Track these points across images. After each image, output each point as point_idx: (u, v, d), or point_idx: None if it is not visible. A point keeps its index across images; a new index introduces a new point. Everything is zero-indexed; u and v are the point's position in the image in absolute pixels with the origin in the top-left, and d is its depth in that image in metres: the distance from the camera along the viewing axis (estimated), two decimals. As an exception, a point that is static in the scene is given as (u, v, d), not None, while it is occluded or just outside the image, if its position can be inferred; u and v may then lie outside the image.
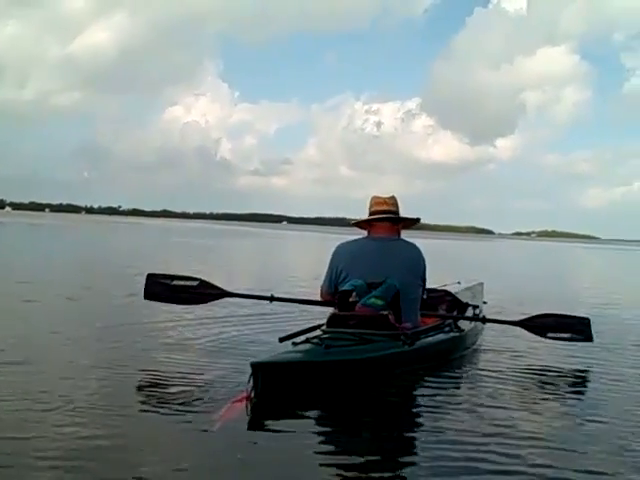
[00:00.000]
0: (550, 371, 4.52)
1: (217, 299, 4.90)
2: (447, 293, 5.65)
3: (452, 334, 4.65)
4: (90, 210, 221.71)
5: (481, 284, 7.36)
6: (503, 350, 5.17)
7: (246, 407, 3.10)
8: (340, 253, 4.42)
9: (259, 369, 3.23)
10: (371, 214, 4.49)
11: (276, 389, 3.24)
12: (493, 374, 4.26)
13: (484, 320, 5.01)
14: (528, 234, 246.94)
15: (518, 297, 9.81)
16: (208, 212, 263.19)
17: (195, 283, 4.76)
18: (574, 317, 4.83)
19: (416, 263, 4.40)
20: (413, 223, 4.66)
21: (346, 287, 4.08)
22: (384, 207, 4.45)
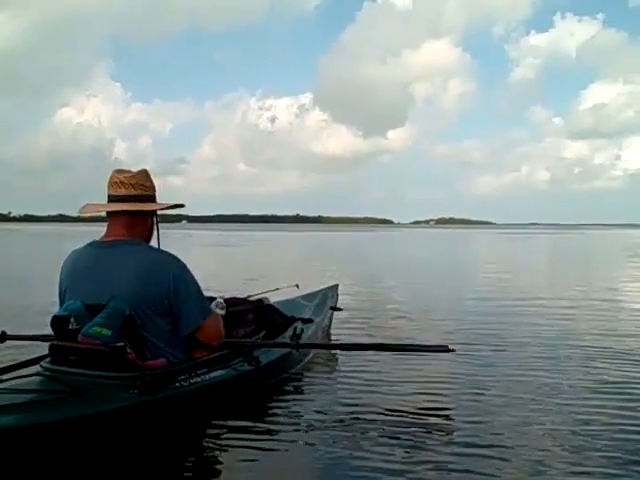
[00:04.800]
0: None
1: None
2: (259, 306, 4.08)
3: (235, 371, 3.18)
4: None
5: (333, 287, 5.89)
6: (325, 382, 3.71)
7: None
8: (64, 266, 3.04)
9: None
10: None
11: None
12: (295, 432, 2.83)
13: (297, 346, 3.59)
14: (426, 222, 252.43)
15: (391, 298, 8.45)
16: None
17: None
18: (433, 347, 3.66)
19: (160, 276, 2.85)
20: (169, 209, 3.08)
21: (60, 311, 2.81)
22: (121, 190, 2.92)
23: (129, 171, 2.94)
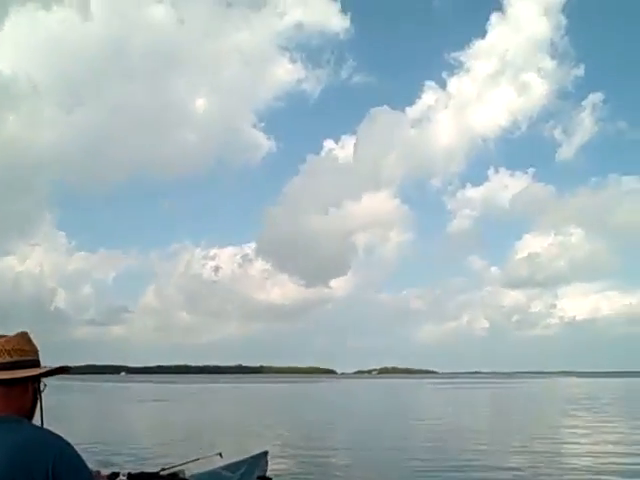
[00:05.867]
0: None
1: None
2: None
3: None
4: None
5: (262, 455, 5.67)
6: None
7: None
8: None
9: None
10: None
11: None
12: None
13: None
14: (369, 372, 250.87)
15: (328, 463, 8.25)
16: (42, 365, 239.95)
17: None
18: None
19: (37, 461, 2.59)
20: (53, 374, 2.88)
21: None
22: None
23: (4, 335, 2.56)
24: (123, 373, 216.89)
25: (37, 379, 2.58)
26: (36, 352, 2.58)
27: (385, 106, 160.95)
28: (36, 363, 2.55)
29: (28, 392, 2.54)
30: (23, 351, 2.50)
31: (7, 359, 2.45)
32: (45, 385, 2.56)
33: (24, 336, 2.55)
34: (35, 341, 2.65)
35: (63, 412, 24.68)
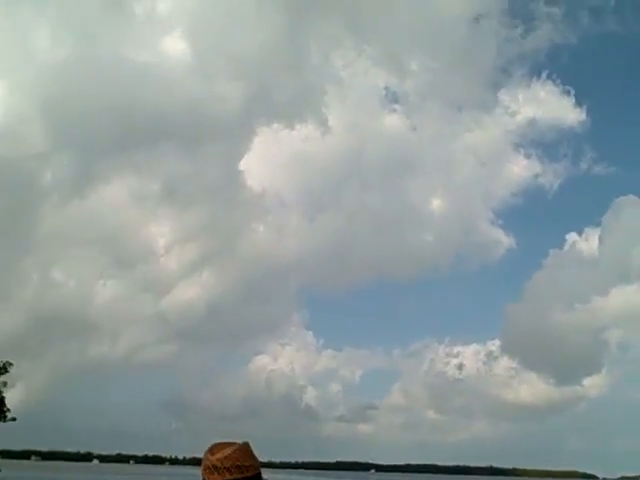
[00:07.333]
0: None
1: None
2: None
3: None
4: (174, 461, 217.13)
5: None
6: None
7: None
8: None
9: None
10: None
11: None
12: None
13: None
14: (636, 478, 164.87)
15: None
16: (294, 461, 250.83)
17: None
18: None
19: None
20: None
21: None
22: (214, 478, 2.32)
23: (223, 448, 2.36)
24: (373, 470, 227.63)
25: None
26: (258, 466, 2.40)
27: (631, 195, 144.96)
28: (257, 478, 2.39)
29: None
30: (244, 467, 2.34)
31: (227, 478, 2.30)
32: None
33: (245, 449, 2.38)
34: (256, 452, 2.49)
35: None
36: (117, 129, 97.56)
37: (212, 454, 2.31)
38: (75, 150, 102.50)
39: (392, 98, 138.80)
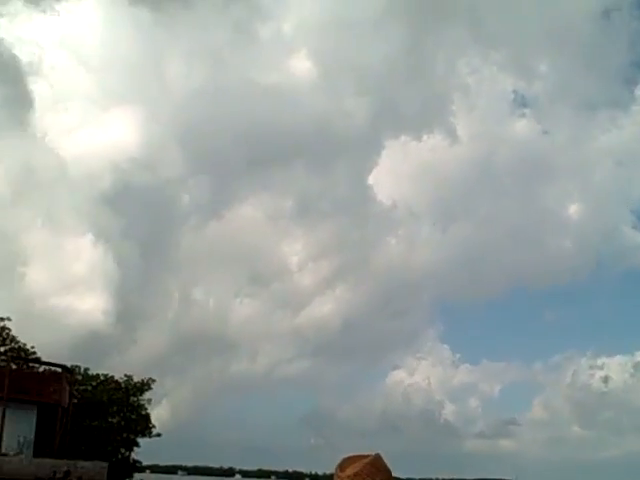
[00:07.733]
0: None
1: None
2: None
3: None
4: (314, 477, 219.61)
5: None
6: None
7: None
8: None
9: None
10: None
11: None
12: None
13: None
14: None
15: None
16: (434, 477, 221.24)
17: None
18: None
19: None
20: None
21: None
22: None
23: (354, 462, 2.30)
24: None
25: None
26: (389, 479, 2.32)
27: None
28: None
29: None
30: None
31: None
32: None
33: (376, 463, 2.27)
34: (389, 463, 2.38)
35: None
36: (249, 150, 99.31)
37: (342, 470, 2.31)
38: (211, 173, 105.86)
39: (521, 102, 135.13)
